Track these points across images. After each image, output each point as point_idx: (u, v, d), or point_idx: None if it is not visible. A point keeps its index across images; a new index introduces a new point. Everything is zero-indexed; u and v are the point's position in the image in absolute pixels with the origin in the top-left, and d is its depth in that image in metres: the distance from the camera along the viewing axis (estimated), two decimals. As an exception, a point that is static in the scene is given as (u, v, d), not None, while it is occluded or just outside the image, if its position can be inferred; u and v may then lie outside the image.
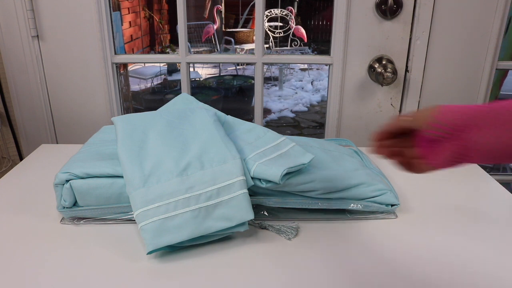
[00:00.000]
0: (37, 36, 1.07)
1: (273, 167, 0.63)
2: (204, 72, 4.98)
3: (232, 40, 5.22)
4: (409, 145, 0.52)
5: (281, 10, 4.90)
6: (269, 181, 0.64)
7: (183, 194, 0.60)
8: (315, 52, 5.79)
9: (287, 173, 0.64)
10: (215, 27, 4.93)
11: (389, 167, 0.84)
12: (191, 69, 4.71)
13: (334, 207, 0.68)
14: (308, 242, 0.63)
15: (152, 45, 5.82)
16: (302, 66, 5.39)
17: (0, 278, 0.55)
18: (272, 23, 4.93)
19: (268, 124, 3.47)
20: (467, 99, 1.09)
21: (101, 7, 1.04)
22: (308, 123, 3.62)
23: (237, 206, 0.61)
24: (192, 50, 4.87)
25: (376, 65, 1.05)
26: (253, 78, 3.26)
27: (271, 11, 4.87)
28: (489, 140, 0.44)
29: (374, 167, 0.79)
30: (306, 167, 0.69)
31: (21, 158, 1.17)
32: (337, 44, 1.06)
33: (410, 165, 0.53)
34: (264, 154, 0.68)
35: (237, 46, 5.11)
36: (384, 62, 1.05)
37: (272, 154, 0.68)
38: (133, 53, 5.06)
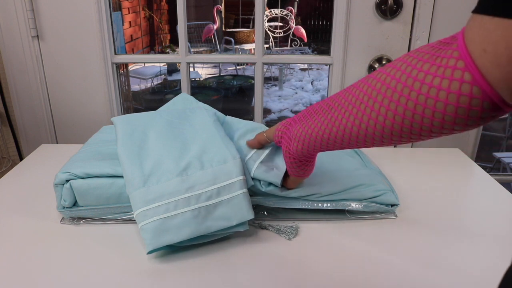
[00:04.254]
0: (37, 36, 1.07)
1: (274, 168, 0.64)
2: (204, 72, 4.98)
3: (232, 40, 5.22)
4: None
5: (281, 10, 4.90)
6: (270, 184, 0.65)
7: (183, 194, 0.60)
8: (315, 52, 5.79)
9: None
10: (215, 27, 4.93)
11: (389, 167, 0.84)
12: (191, 69, 4.71)
13: (334, 207, 0.68)
14: (308, 242, 0.63)
15: (152, 45, 5.82)
16: (302, 66, 5.39)
17: (0, 278, 0.55)
18: (272, 23, 4.93)
19: (268, 124, 3.45)
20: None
21: (101, 7, 1.04)
22: (308, 123, 3.61)
23: (237, 206, 0.61)
24: (192, 50, 4.87)
25: (376, 65, 1.05)
26: (253, 78, 3.26)
27: (271, 11, 4.87)
28: (299, 129, 0.55)
29: (374, 167, 0.79)
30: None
31: (21, 158, 1.17)
32: (337, 44, 1.06)
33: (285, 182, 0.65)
34: (262, 150, 0.68)
35: (237, 46, 5.11)
36: (384, 62, 1.05)
37: (270, 147, 0.68)
38: (133, 53, 5.06)
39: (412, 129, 0.38)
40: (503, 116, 0.42)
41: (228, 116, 0.82)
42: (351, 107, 0.44)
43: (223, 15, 6.17)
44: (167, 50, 5.75)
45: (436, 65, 0.34)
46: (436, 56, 0.34)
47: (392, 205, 0.70)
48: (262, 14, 1.06)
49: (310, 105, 0.55)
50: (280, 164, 0.65)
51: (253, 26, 5.67)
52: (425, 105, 0.35)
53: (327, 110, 0.49)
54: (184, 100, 0.87)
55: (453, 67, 0.32)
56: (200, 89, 3.86)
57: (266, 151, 0.67)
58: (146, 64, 4.14)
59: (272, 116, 3.75)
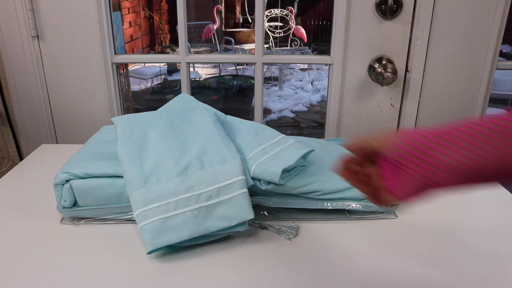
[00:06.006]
0: (37, 36, 1.07)
1: (272, 166, 0.64)
2: (204, 72, 4.97)
3: (232, 40, 5.23)
4: (374, 173, 0.48)
5: (281, 10, 4.90)
6: (269, 183, 0.65)
7: (183, 194, 0.60)
8: (315, 52, 5.79)
9: (287, 171, 0.64)
10: (215, 27, 4.93)
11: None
12: (191, 69, 4.71)
13: (334, 207, 0.68)
14: (308, 242, 0.63)
15: (152, 45, 5.83)
16: (302, 66, 5.39)
17: (0, 278, 0.55)
18: (272, 23, 4.93)
19: (268, 124, 3.44)
20: (467, 99, 1.09)
21: (101, 7, 1.04)
22: (308, 123, 3.62)
23: (237, 205, 0.61)
24: (192, 50, 4.86)
25: (376, 65, 1.05)
26: (253, 78, 3.26)
27: (271, 11, 4.87)
28: (455, 157, 0.39)
29: (374, 167, 0.79)
30: (306, 169, 0.69)
31: (21, 158, 1.17)
32: (337, 44, 1.06)
33: (376, 196, 0.49)
34: (263, 152, 0.68)
35: (237, 46, 5.11)
36: (384, 62, 1.05)
37: (272, 151, 0.68)
38: (133, 53, 5.06)
39: None
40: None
41: (228, 116, 0.82)
42: None
43: (223, 15, 6.17)
44: (167, 50, 5.75)
45: None
46: None
47: (392, 205, 0.70)
48: (262, 14, 1.06)
49: (451, 125, 0.41)
50: (280, 161, 0.65)
51: (253, 26, 5.68)
52: None
53: (498, 138, 0.37)
54: (184, 100, 0.87)
55: None
56: (200, 89, 3.86)
57: (268, 154, 0.67)
58: (146, 64, 4.14)
59: (272, 116, 3.75)
